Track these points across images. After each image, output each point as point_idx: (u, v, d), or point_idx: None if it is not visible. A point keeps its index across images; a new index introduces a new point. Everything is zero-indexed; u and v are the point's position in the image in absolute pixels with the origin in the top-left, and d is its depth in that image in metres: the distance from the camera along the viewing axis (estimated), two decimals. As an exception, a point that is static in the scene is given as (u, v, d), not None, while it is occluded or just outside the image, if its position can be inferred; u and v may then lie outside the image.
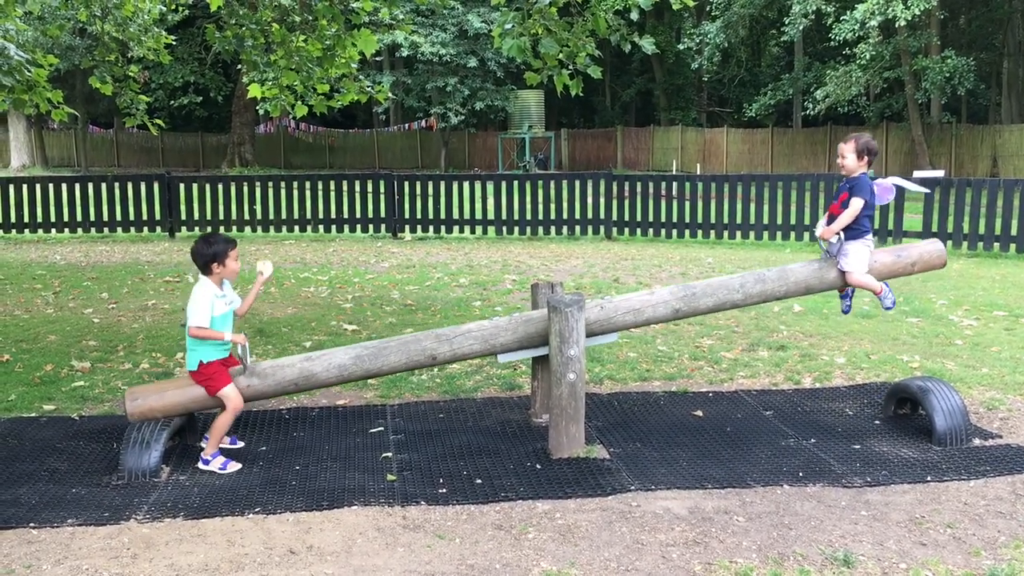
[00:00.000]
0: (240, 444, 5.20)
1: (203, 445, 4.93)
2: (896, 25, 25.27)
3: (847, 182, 5.36)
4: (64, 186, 15.79)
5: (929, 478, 4.64)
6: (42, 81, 8.12)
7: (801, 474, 4.70)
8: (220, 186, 15.80)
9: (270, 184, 16.03)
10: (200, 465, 4.82)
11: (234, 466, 4.81)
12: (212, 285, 4.82)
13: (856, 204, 5.22)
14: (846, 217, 5.25)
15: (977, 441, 5.20)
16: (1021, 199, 12.72)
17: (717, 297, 5.33)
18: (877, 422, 5.58)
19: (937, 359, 6.96)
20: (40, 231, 15.67)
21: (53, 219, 15.59)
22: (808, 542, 3.92)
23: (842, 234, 5.30)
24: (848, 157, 5.31)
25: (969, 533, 4.01)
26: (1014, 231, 12.83)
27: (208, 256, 4.82)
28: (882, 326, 8.05)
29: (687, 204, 15.03)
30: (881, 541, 3.93)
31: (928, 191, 5.93)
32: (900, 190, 5.65)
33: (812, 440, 5.25)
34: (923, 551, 3.84)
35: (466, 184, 16.03)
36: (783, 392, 6.26)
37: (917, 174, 19.09)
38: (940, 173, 20.60)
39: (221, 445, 4.98)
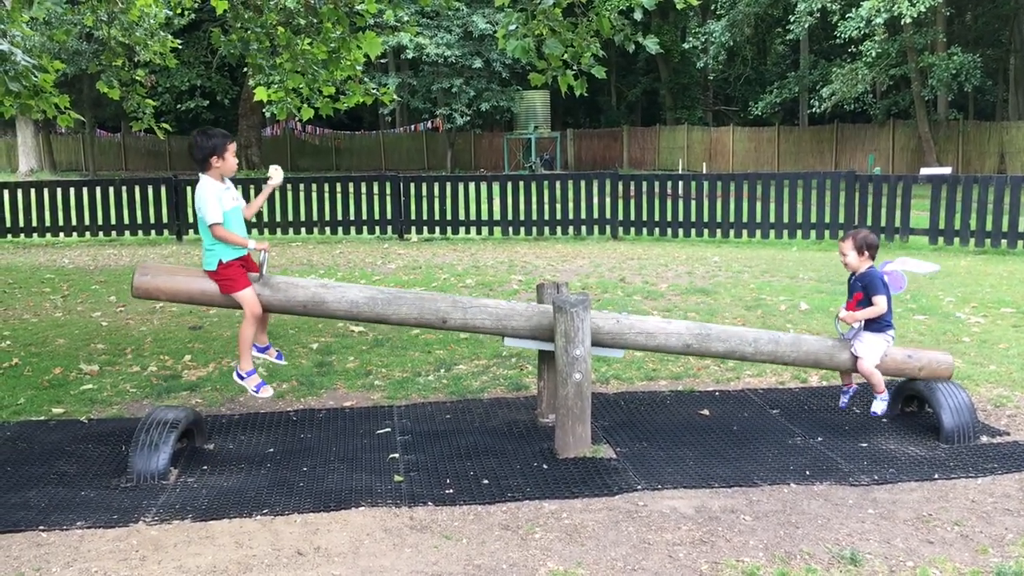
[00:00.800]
0: (283, 361, 5.38)
1: (208, 447, 4.96)
2: (902, 22, 25.21)
3: (857, 279, 5.40)
4: (72, 190, 15.85)
5: (936, 476, 4.64)
6: (48, 86, 8.17)
7: (808, 472, 4.70)
8: (227, 189, 15.81)
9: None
10: (235, 378, 4.96)
11: (267, 391, 4.94)
12: (214, 180, 4.82)
13: (881, 303, 5.26)
14: (871, 313, 5.29)
15: (985, 438, 5.19)
16: (1029, 196, 12.67)
17: (730, 344, 5.35)
18: (884, 420, 5.57)
19: (944, 357, 6.94)
20: (48, 235, 15.73)
21: (61, 223, 15.65)
22: (815, 540, 3.92)
23: (862, 323, 5.34)
24: (849, 255, 5.38)
25: (977, 531, 4.01)
26: (1021, 228, 12.78)
27: (208, 149, 4.80)
28: (889, 324, 8.03)
29: (693, 203, 15.02)
30: (888, 539, 3.93)
31: (936, 268, 6.00)
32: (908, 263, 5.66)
33: (819, 438, 5.25)
34: (930, 549, 3.83)
35: (472, 185, 16.05)
36: (790, 391, 6.25)
37: (924, 171, 19.04)
38: (947, 170, 20.55)
39: (265, 357, 5.10)
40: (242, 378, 4.94)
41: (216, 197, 4.76)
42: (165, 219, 15.75)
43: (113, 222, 15.76)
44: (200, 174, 4.88)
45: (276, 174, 5.10)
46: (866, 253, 5.36)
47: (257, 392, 4.92)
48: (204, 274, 4.90)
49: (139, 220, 15.77)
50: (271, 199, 15.77)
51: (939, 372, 5.47)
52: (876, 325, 5.35)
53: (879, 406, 5.41)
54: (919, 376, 5.47)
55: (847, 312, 5.40)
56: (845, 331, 5.48)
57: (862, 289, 5.35)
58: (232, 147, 4.88)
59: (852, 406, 5.78)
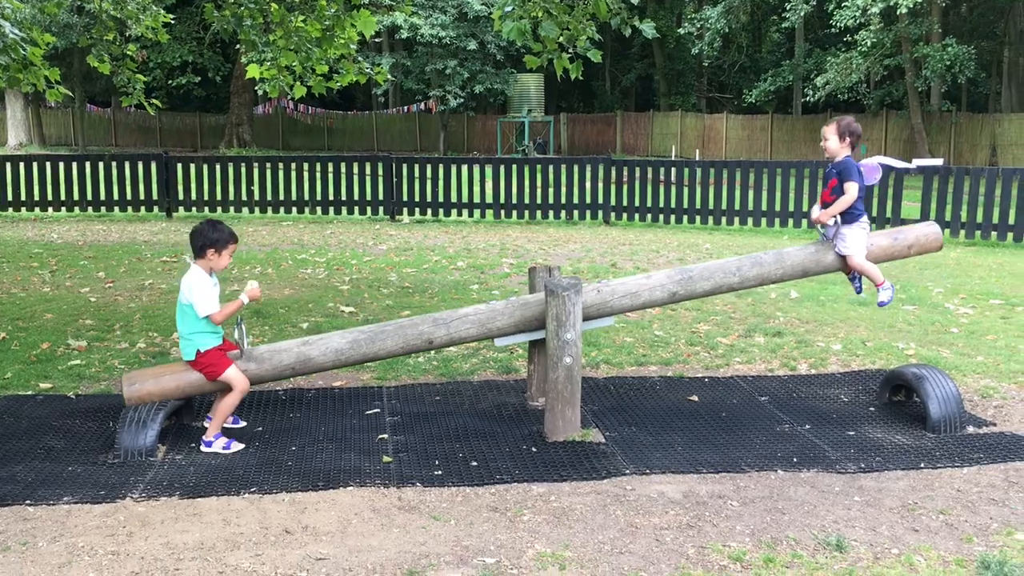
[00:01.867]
0: (242, 423, 5.20)
1: (206, 425, 4.93)
2: (897, 12, 25.21)
3: (833, 167, 5.37)
4: (61, 165, 15.73)
5: (923, 465, 4.66)
6: (38, 60, 8.08)
7: (795, 459, 4.72)
8: (218, 167, 15.76)
9: (268, 165, 15.99)
10: (202, 448, 4.80)
11: (237, 446, 4.82)
12: (204, 273, 4.80)
13: (852, 189, 5.21)
14: (843, 203, 5.24)
15: (971, 429, 5.22)
16: (1019, 188, 12.72)
17: (714, 280, 5.34)
18: (872, 409, 5.60)
19: (933, 347, 6.98)
20: (37, 209, 15.63)
21: (50, 198, 15.54)
22: (801, 527, 3.94)
23: (838, 218, 5.31)
24: (831, 139, 5.33)
25: (961, 519, 4.03)
26: (1012, 220, 12.83)
27: (210, 240, 4.77)
28: (878, 313, 8.06)
29: (686, 190, 15.01)
30: (874, 526, 3.95)
31: (911, 167, 6.05)
32: (887, 169, 5.66)
33: (807, 426, 5.27)
34: (915, 537, 3.86)
35: (465, 168, 16.00)
36: (779, 378, 6.27)
37: (916, 162, 19.07)
38: (939, 161, 20.61)
39: (224, 425, 4.99)
40: (209, 444, 4.79)
41: (210, 288, 4.74)
42: (155, 195, 15.65)
43: (103, 198, 15.65)
44: (191, 262, 4.82)
45: (253, 290, 4.91)
46: (847, 140, 5.30)
47: (228, 449, 4.82)
48: (187, 367, 4.86)
49: (129, 196, 15.67)
50: (263, 177, 15.70)
51: (929, 245, 5.43)
52: (849, 216, 5.29)
53: (885, 295, 5.37)
54: (910, 254, 5.45)
55: (821, 211, 5.35)
56: (824, 231, 5.44)
57: (836, 175, 5.29)
58: (232, 248, 4.83)
59: (840, 395, 5.80)
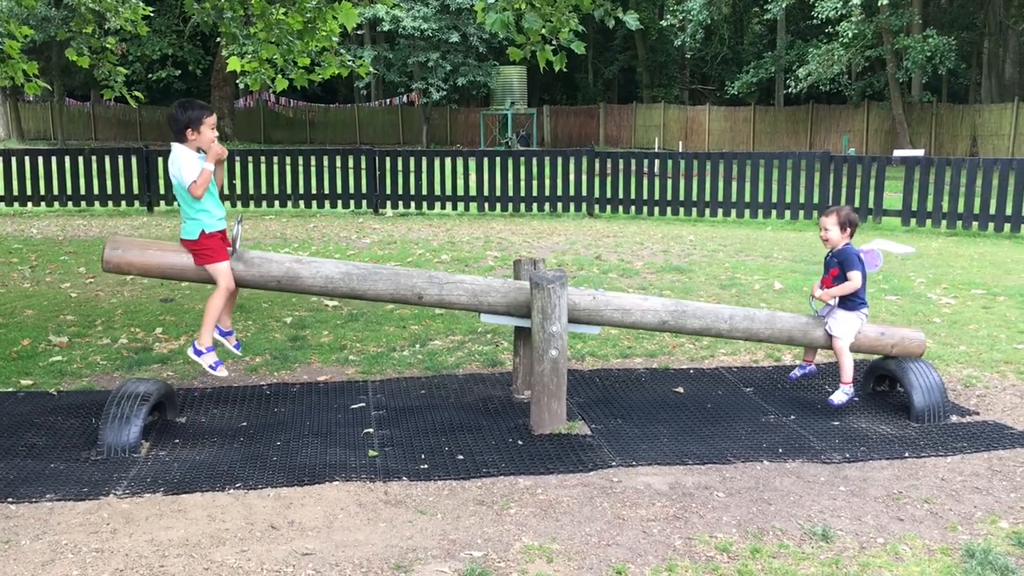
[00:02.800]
0: (239, 351, 5.23)
1: (180, 420, 4.90)
2: (878, 4, 25.32)
3: (833, 255, 5.42)
4: (40, 159, 15.57)
5: (907, 454, 4.69)
6: (16, 53, 7.99)
7: (781, 450, 4.74)
8: (199, 160, 15.61)
9: (250, 159, 15.89)
10: (190, 354, 4.81)
11: (223, 371, 4.83)
12: (189, 149, 4.73)
13: (856, 278, 5.29)
14: (847, 288, 5.30)
15: (955, 418, 5.25)
16: (999, 178, 12.80)
17: (705, 321, 5.36)
18: (856, 399, 5.62)
19: (916, 337, 7.01)
20: (16, 204, 15.46)
21: (29, 192, 15.39)
22: (787, 517, 3.95)
23: (836, 301, 5.37)
24: (831, 230, 5.37)
25: (946, 508, 4.06)
26: (992, 210, 12.92)
27: (184, 121, 4.70)
28: (862, 304, 8.09)
29: (669, 182, 15.03)
30: (859, 516, 3.97)
31: (912, 250, 6.15)
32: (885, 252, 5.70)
33: (792, 417, 5.29)
34: (900, 526, 3.88)
35: (448, 160, 15.96)
36: (763, 369, 6.29)
37: (897, 153, 19.17)
38: (920, 152, 20.72)
39: (224, 342, 5.00)
40: (199, 354, 4.73)
41: (196, 158, 4.67)
42: (136, 190, 15.53)
43: (83, 192, 15.51)
44: (174, 144, 4.78)
45: (216, 148, 4.84)
46: (848, 230, 5.38)
47: (214, 370, 4.78)
48: (177, 248, 4.80)
49: (109, 190, 15.53)
50: (245, 171, 15.60)
51: (911, 349, 5.52)
52: (850, 303, 5.38)
53: (840, 397, 5.40)
54: (892, 353, 5.52)
55: (822, 290, 5.43)
56: (819, 308, 5.52)
57: (838, 265, 5.38)
58: (211, 120, 4.76)
59: (825, 385, 5.83)
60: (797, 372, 5.68)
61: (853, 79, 33.75)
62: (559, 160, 15.42)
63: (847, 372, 5.38)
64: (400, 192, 15.59)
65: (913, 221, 13.45)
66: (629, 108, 39.07)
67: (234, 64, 8.36)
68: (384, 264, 5.15)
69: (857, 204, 13.70)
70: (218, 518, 3.91)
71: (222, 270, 4.76)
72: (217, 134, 4.84)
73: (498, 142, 34.32)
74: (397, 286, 5.07)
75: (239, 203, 15.57)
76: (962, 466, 4.55)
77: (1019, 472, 4.46)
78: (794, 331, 5.48)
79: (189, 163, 4.66)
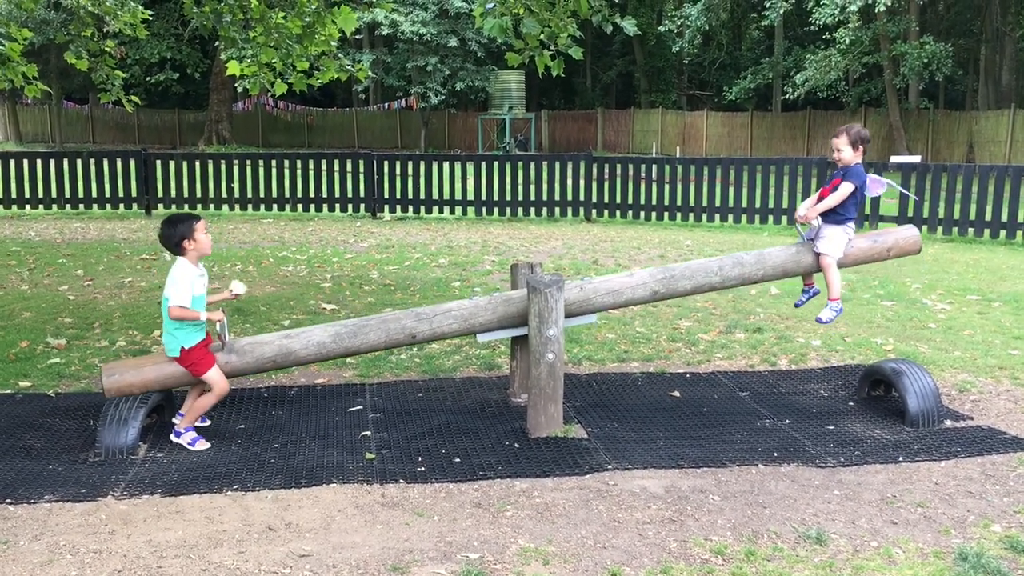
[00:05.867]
0: (207, 422, 5.18)
1: (175, 421, 4.92)
2: (876, 10, 25.38)
3: (840, 169, 5.33)
4: (39, 162, 15.58)
5: (901, 458, 4.71)
6: (16, 55, 8.01)
7: (776, 454, 4.76)
8: (197, 164, 15.67)
9: (248, 162, 15.91)
10: (172, 436, 4.83)
11: (203, 444, 4.82)
12: (190, 264, 4.78)
13: (845, 188, 5.20)
14: (832, 199, 5.23)
15: (949, 423, 5.28)
16: (996, 185, 12.85)
17: (696, 279, 5.37)
18: (851, 403, 5.65)
19: (911, 342, 7.05)
20: (14, 207, 15.47)
21: (27, 195, 15.40)
22: (782, 520, 3.98)
23: (820, 219, 5.31)
24: (844, 150, 5.28)
25: (939, 512, 4.08)
26: (988, 216, 12.96)
27: (177, 236, 4.76)
28: (857, 309, 8.13)
29: (666, 187, 15.07)
30: (853, 520, 3.99)
31: (917, 199, 6.11)
32: (893, 189, 5.66)
33: (787, 421, 5.31)
34: (894, 529, 3.90)
35: (446, 165, 15.98)
36: (759, 374, 6.32)
37: (894, 159, 19.20)
38: (917, 158, 20.74)
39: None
40: (179, 435, 4.81)
41: (189, 283, 4.69)
42: (134, 193, 15.55)
43: (81, 195, 15.53)
44: (176, 257, 4.81)
45: (238, 288, 4.94)
46: (860, 148, 5.27)
47: (192, 446, 4.83)
48: (169, 359, 4.84)
49: (107, 193, 15.55)
50: (243, 175, 15.62)
51: (908, 248, 5.45)
52: (836, 217, 5.27)
53: (827, 314, 5.36)
54: (889, 256, 5.47)
55: (805, 209, 5.31)
56: (805, 231, 5.44)
57: (841, 175, 5.25)
58: (201, 226, 4.79)
59: (820, 390, 5.85)
60: (802, 298, 5.63)
61: (850, 85, 33.79)
62: (557, 165, 15.45)
63: (835, 288, 5.34)
64: (398, 196, 15.61)
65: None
66: (627, 113, 39.11)
67: (233, 68, 8.38)
68: (369, 316, 5.18)
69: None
70: (216, 520, 3.93)
71: (213, 378, 4.78)
72: (210, 240, 4.86)
73: (496, 146, 34.34)
74: (388, 333, 5.08)
75: (237, 206, 15.59)
76: (956, 470, 4.58)
77: (1012, 476, 4.49)
78: (786, 263, 5.43)
79: (183, 286, 4.68)
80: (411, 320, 5.12)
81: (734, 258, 5.45)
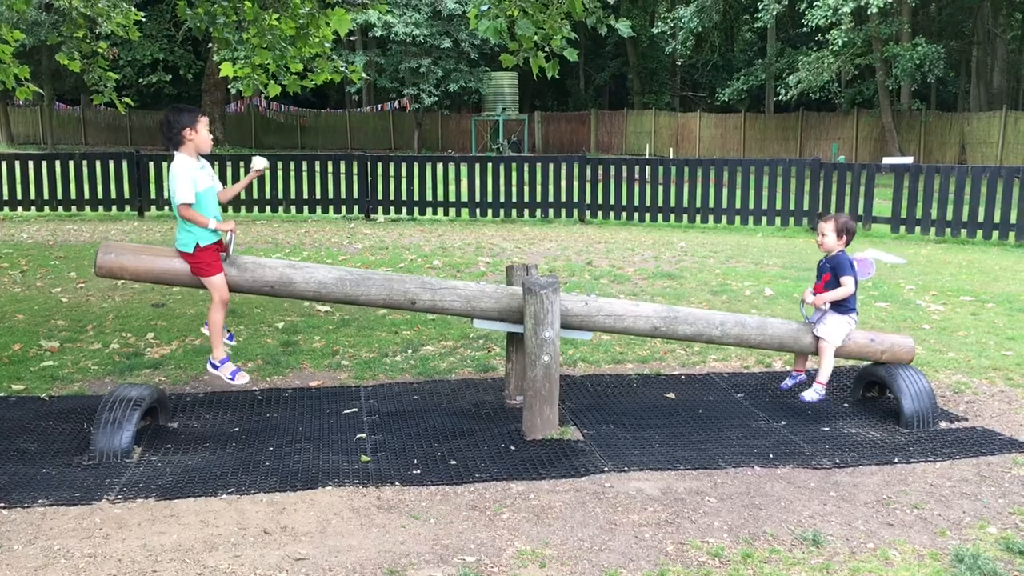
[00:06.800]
0: (233, 340, 5.35)
1: (172, 425, 4.91)
2: (868, 12, 25.46)
3: (827, 261, 5.53)
4: (31, 163, 15.53)
5: (896, 460, 4.72)
6: (7, 57, 7.98)
7: (771, 456, 4.76)
8: (190, 165, 15.59)
9: (241, 164, 15.87)
10: (208, 368, 4.94)
11: (243, 378, 4.94)
12: (189, 158, 4.74)
13: (849, 283, 5.41)
14: (839, 293, 5.42)
15: (944, 424, 5.29)
16: (988, 186, 12.88)
17: (697, 327, 5.40)
18: (846, 405, 5.66)
19: (905, 343, 7.06)
20: (6, 209, 15.41)
21: (19, 197, 15.34)
22: (778, 522, 3.98)
23: (827, 306, 5.47)
24: (829, 236, 5.49)
25: (935, 514, 4.09)
26: (981, 217, 12.99)
27: (181, 124, 4.73)
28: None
29: (660, 188, 15.07)
30: (849, 521, 4.00)
31: (903, 261, 6.31)
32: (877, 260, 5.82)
33: (782, 422, 5.32)
34: (890, 531, 3.91)
35: (439, 166, 15.97)
36: (754, 375, 6.32)
37: (887, 160, 19.28)
38: (909, 160, 20.84)
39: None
40: (216, 367, 4.90)
41: (191, 177, 4.67)
42: (127, 195, 15.49)
43: (73, 197, 15.47)
44: (174, 152, 4.79)
45: (260, 162, 5.01)
46: (844, 238, 5.50)
47: (233, 379, 4.86)
48: (170, 252, 4.82)
49: (100, 195, 15.49)
50: (236, 176, 15.57)
51: (901, 356, 5.56)
52: (841, 307, 5.47)
53: (811, 395, 5.53)
54: (881, 359, 5.56)
55: (814, 295, 5.48)
56: (810, 314, 5.58)
57: (831, 270, 5.47)
58: (204, 120, 4.82)
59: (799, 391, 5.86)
60: (788, 382, 5.74)
61: (843, 87, 33.91)
62: (550, 166, 15.45)
63: (825, 373, 5.50)
64: (392, 197, 15.59)
65: (902, 228, 13.53)
66: (620, 114, 39.15)
67: (227, 70, 8.37)
68: (376, 270, 5.16)
69: (847, 211, 13.75)
70: (211, 523, 3.91)
71: (217, 284, 4.78)
72: (210, 137, 4.86)
73: (489, 148, 34.33)
74: (390, 291, 5.08)
75: (230, 208, 15.53)
76: (951, 472, 4.58)
77: (1007, 478, 4.50)
78: (785, 337, 5.52)
79: (186, 181, 4.67)
80: (415, 286, 5.12)
81: (737, 318, 5.52)
